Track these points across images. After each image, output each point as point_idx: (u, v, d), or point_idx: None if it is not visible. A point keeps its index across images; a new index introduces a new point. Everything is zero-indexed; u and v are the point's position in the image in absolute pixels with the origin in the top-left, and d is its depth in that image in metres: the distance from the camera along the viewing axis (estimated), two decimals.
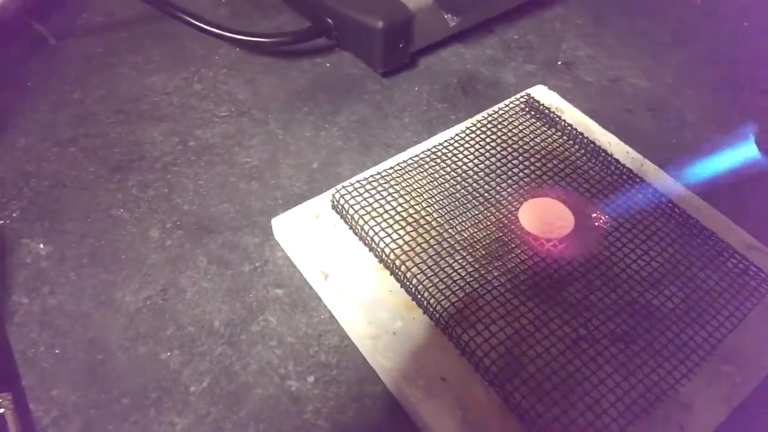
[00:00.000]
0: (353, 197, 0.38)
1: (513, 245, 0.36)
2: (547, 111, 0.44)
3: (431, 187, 0.40)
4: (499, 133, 0.43)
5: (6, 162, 0.43)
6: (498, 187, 0.40)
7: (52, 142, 0.44)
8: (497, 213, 0.38)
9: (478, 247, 0.36)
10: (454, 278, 0.35)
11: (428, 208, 0.38)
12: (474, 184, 0.40)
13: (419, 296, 0.34)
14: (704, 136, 0.49)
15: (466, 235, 0.37)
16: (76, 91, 0.48)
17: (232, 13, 0.56)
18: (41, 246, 0.38)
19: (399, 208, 0.38)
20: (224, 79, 0.50)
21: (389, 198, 0.38)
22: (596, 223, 0.38)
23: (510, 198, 0.39)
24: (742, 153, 0.35)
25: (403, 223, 0.37)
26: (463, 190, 0.40)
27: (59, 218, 0.40)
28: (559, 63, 0.54)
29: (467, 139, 0.43)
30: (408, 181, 0.40)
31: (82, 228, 0.40)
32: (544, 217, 0.37)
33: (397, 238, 0.36)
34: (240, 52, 0.53)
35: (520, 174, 0.41)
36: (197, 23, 0.49)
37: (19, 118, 0.46)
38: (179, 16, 0.49)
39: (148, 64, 0.51)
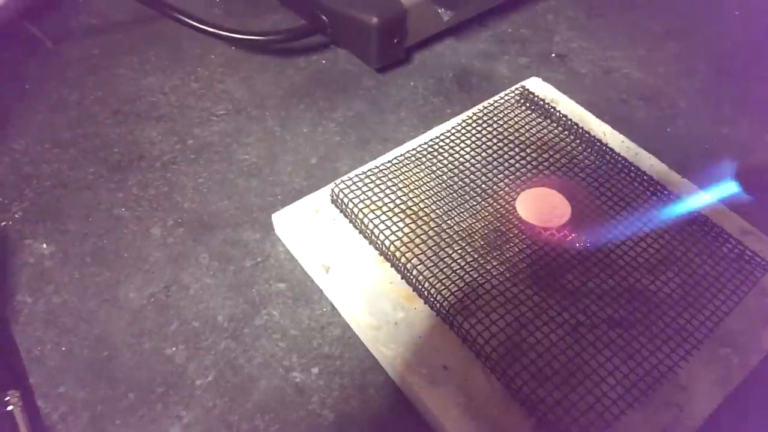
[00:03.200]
0: (352, 191, 0.38)
1: (511, 235, 0.37)
2: (542, 102, 0.45)
3: (429, 180, 0.40)
4: (495, 125, 0.44)
5: (6, 164, 0.43)
6: (495, 179, 0.40)
7: (52, 144, 0.45)
8: (495, 204, 0.39)
9: (476, 237, 0.37)
10: (454, 268, 0.35)
11: (426, 201, 0.39)
12: (471, 176, 0.40)
13: (420, 287, 0.35)
14: (697, 124, 0.49)
15: (464, 226, 0.37)
16: (73, 92, 0.48)
17: (226, 12, 0.57)
18: (44, 246, 0.39)
19: (398, 201, 0.38)
20: (221, 78, 0.51)
21: (388, 191, 0.39)
22: (592, 211, 0.38)
23: (507, 189, 0.40)
24: (724, 191, 0.36)
25: (402, 216, 0.38)
26: (460, 182, 0.40)
27: (61, 218, 0.40)
28: (553, 55, 0.55)
29: (463, 131, 0.43)
30: (406, 174, 0.40)
31: (83, 227, 0.40)
32: (541, 207, 0.38)
33: (397, 231, 0.37)
34: (236, 51, 0.53)
35: (517, 165, 0.41)
36: (193, 23, 0.49)
37: (17, 120, 0.46)
38: (175, 16, 0.50)
39: (145, 65, 0.51)
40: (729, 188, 0.36)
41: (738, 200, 0.37)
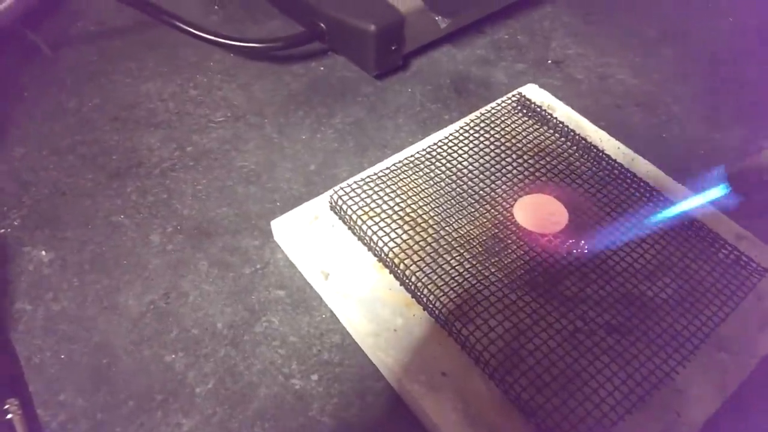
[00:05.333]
0: (351, 198, 0.39)
1: (509, 241, 0.37)
2: (539, 109, 0.45)
3: (427, 187, 0.40)
4: (493, 132, 0.44)
5: (5, 172, 0.43)
6: (493, 185, 0.41)
7: (50, 151, 0.45)
8: (492, 210, 0.39)
9: (474, 243, 0.37)
10: (452, 275, 0.35)
11: (425, 207, 0.39)
12: (469, 182, 0.41)
13: (419, 293, 0.35)
14: (692, 130, 0.50)
15: (462, 233, 0.38)
16: (72, 99, 0.49)
17: (224, 19, 0.57)
18: (43, 253, 0.39)
19: (396, 208, 0.39)
20: (219, 85, 0.51)
21: (386, 198, 0.39)
22: (589, 218, 0.39)
23: (505, 195, 0.40)
24: (714, 193, 0.36)
25: (401, 222, 0.38)
26: (458, 189, 0.40)
27: (59, 226, 0.40)
28: (549, 61, 0.55)
29: (461, 138, 0.43)
30: (404, 180, 0.40)
31: (82, 235, 0.40)
32: (538, 213, 0.38)
33: (396, 237, 0.37)
34: (234, 57, 0.53)
35: (514, 171, 0.41)
36: (191, 30, 0.49)
37: (16, 128, 0.46)
38: (173, 23, 0.50)
39: (143, 72, 0.51)
40: (719, 190, 0.36)
41: (728, 202, 0.37)
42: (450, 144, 0.43)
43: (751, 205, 0.37)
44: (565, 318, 0.34)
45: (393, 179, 0.40)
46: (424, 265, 0.36)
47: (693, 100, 0.52)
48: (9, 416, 0.31)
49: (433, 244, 0.37)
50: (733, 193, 0.36)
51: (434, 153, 0.42)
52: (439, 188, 0.40)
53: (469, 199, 0.40)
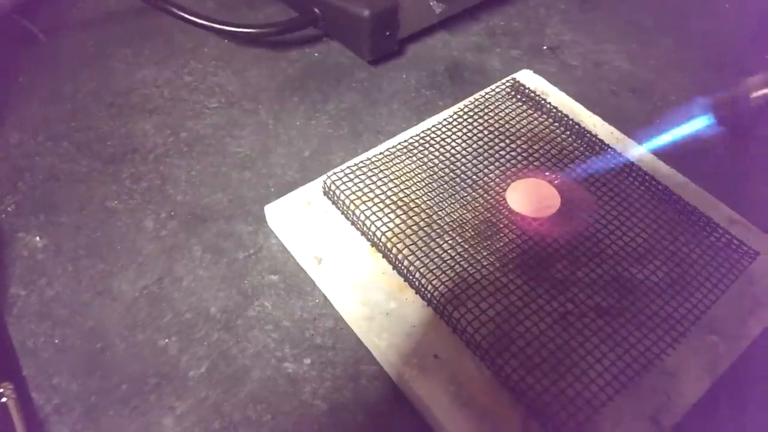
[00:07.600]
0: (344, 183, 0.39)
1: (501, 225, 0.37)
2: (532, 94, 0.45)
3: (420, 172, 0.40)
4: (486, 117, 0.44)
5: (0, 158, 0.43)
6: (486, 170, 0.41)
7: (45, 137, 0.45)
8: (485, 195, 0.39)
9: (467, 228, 0.37)
10: (445, 259, 0.36)
11: (418, 192, 0.39)
12: (462, 167, 0.41)
13: (411, 277, 0.35)
14: (687, 116, 0.50)
15: (455, 217, 0.38)
16: (67, 85, 0.49)
17: (219, 5, 0.57)
18: (37, 239, 0.39)
19: (389, 193, 0.39)
20: (214, 71, 0.51)
21: (379, 183, 0.39)
22: (581, 202, 0.39)
23: (497, 180, 0.40)
24: (700, 122, 0.36)
25: (394, 207, 0.38)
26: (451, 173, 0.40)
27: (54, 211, 0.40)
28: (544, 48, 0.55)
29: (455, 123, 0.44)
30: (398, 166, 0.40)
31: (77, 220, 0.40)
32: (531, 197, 0.38)
33: (388, 222, 0.37)
34: (228, 43, 0.53)
35: (507, 156, 0.41)
36: (186, 16, 0.49)
37: (11, 114, 0.46)
38: (168, 9, 0.50)
39: (138, 58, 0.51)
40: (704, 120, 0.36)
41: (713, 131, 0.37)
42: (443, 129, 0.43)
43: (747, 191, 0.37)
44: (556, 300, 0.34)
45: (386, 164, 0.40)
46: (416, 249, 0.36)
47: (689, 86, 0.52)
48: (3, 399, 0.31)
49: (426, 229, 0.37)
50: (717, 124, 0.37)
51: (428, 138, 0.42)
52: (432, 173, 0.40)
53: (462, 183, 0.40)
